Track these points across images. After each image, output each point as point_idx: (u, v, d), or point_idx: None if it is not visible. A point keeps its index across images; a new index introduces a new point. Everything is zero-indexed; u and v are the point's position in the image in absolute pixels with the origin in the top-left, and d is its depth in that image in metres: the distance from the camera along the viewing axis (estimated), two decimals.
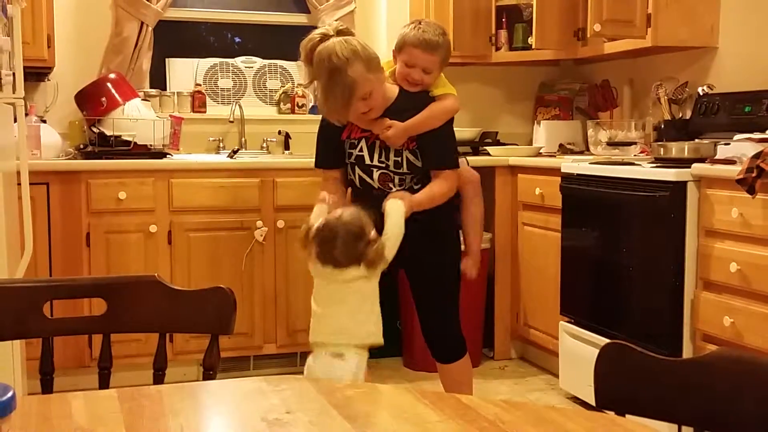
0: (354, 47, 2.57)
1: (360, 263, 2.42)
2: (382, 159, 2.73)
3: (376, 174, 2.75)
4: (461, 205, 2.96)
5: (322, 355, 2.44)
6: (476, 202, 3.00)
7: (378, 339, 2.45)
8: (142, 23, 4.22)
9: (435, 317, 2.84)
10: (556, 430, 1.15)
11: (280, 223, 3.87)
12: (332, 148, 2.80)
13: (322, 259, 2.47)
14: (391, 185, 2.74)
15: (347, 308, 2.44)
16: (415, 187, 2.74)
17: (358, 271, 2.43)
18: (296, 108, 4.58)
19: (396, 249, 2.52)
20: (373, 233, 2.46)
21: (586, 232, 3.48)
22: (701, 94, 3.66)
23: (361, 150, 2.74)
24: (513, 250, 4.14)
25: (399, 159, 2.73)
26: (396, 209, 2.56)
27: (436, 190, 2.72)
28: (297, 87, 4.61)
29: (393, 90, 2.75)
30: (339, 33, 2.62)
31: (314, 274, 2.52)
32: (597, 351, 1.31)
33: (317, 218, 2.52)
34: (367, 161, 2.75)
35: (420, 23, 2.81)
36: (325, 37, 2.61)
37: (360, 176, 2.77)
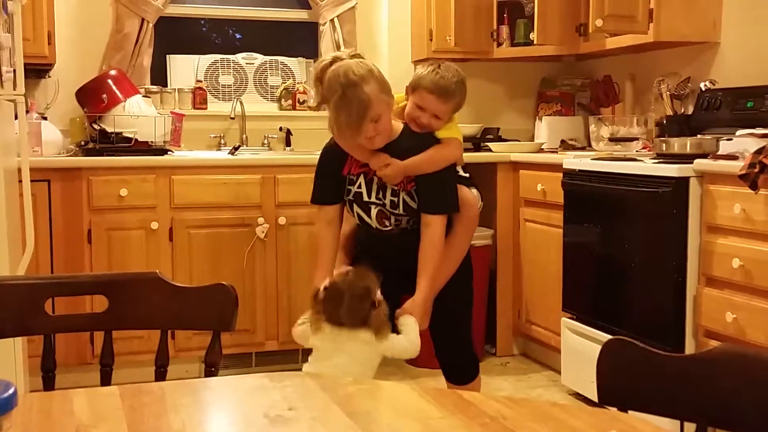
0: (370, 67, 2.56)
1: (366, 325, 2.42)
2: (380, 197, 2.69)
3: (373, 211, 2.70)
4: (448, 235, 2.74)
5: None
6: (464, 240, 2.77)
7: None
8: (143, 20, 4.21)
9: (449, 342, 2.80)
10: (558, 426, 1.14)
11: (282, 220, 3.87)
12: (332, 183, 2.74)
13: (328, 318, 2.45)
14: (387, 223, 2.70)
15: (345, 358, 2.43)
16: (410, 228, 2.69)
17: (366, 335, 2.42)
18: (297, 104, 4.58)
19: (402, 356, 2.55)
20: (378, 294, 2.45)
21: (588, 228, 3.48)
22: (703, 89, 3.65)
23: (359, 186, 2.70)
24: (515, 247, 4.14)
25: (395, 199, 2.68)
26: (410, 328, 2.53)
27: (435, 261, 2.64)
28: (298, 84, 4.61)
29: (398, 126, 2.70)
30: (352, 57, 2.61)
31: (316, 342, 2.49)
32: (599, 347, 1.30)
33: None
34: (365, 198, 2.70)
35: (440, 67, 2.73)
36: (337, 60, 2.59)
37: (358, 214, 2.72)
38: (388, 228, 2.70)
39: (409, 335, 2.50)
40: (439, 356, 2.81)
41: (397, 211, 2.68)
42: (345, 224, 2.81)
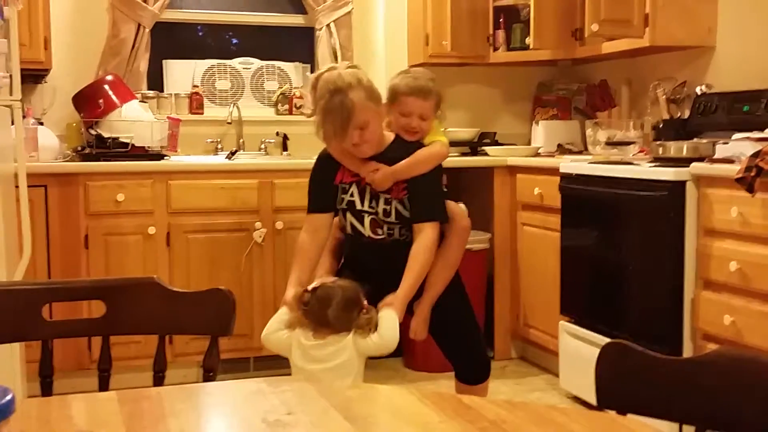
0: (359, 76, 2.60)
1: (351, 328, 2.42)
2: (372, 205, 2.70)
3: (366, 220, 2.72)
4: (441, 246, 2.76)
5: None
6: (457, 249, 2.79)
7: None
8: (139, 25, 4.21)
9: (459, 345, 2.81)
10: (557, 429, 1.15)
11: (279, 225, 3.87)
12: (326, 191, 2.76)
13: (310, 319, 2.45)
14: (380, 232, 2.71)
15: (329, 370, 2.43)
16: (401, 239, 2.71)
17: (349, 341, 2.42)
18: (294, 109, 4.58)
19: (383, 354, 2.53)
20: (365, 302, 2.47)
21: (585, 231, 3.48)
22: (699, 93, 3.66)
23: (352, 195, 2.72)
24: (512, 251, 4.14)
25: (388, 207, 2.69)
26: (391, 323, 2.52)
27: (424, 261, 2.64)
28: (294, 89, 4.61)
29: (389, 136, 2.74)
30: (348, 68, 2.65)
31: (298, 363, 2.48)
32: (597, 351, 1.31)
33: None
34: (358, 206, 2.72)
35: (408, 71, 2.84)
36: (332, 69, 2.65)
37: (351, 222, 2.74)
38: (381, 237, 2.71)
39: (380, 329, 2.48)
40: (450, 358, 2.84)
41: (389, 219, 2.70)
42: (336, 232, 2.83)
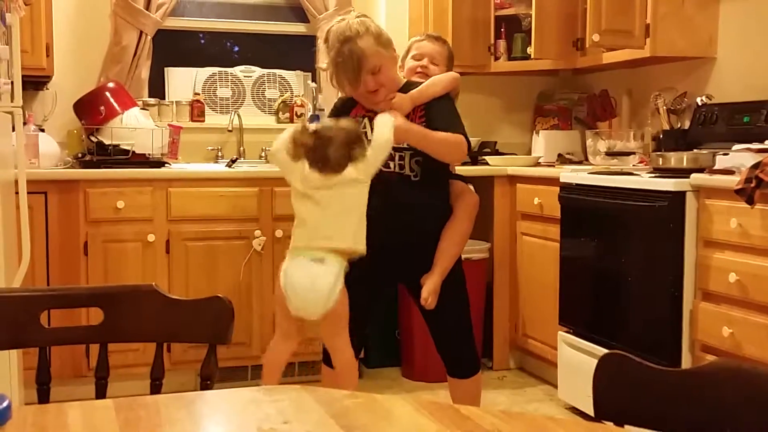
0: (368, 24, 2.65)
1: (348, 162, 2.40)
2: None
3: None
4: (450, 219, 2.80)
5: (301, 259, 2.40)
6: (466, 222, 2.82)
7: (361, 248, 2.43)
8: (141, 32, 4.22)
9: (449, 337, 2.82)
10: None
11: (279, 233, 3.87)
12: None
13: (311, 158, 2.40)
14: (390, 163, 2.68)
15: (332, 213, 2.40)
16: (415, 167, 2.70)
17: (349, 172, 2.39)
18: (295, 117, 4.58)
19: (382, 157, 2.48)
20: (366, 141, 2.47)
21: (584, 242, 3.48)
22: (700, 104, 3.67)
23: (364, 127, 2.72)
24: (512, 260, 4.14)
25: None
26: (385, 121, 2.52)
27: (437, 133, 2.64)
28: (296, 97, 4.61)
29: (400, 80, 2.80)
30: (357, 18, 2.70)
31: (298, 186, 2.46)
32: (596, 361, 1.30)
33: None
34: (369, 137, 2.70)
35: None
36: (342, 20, 2.70)
37: None
38: (391, 169, 2.67)
39: (379, 127, 2.48)
40: (440, 351, 2.84)
41: (401, 146, 2.66)
42: None
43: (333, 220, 2.41)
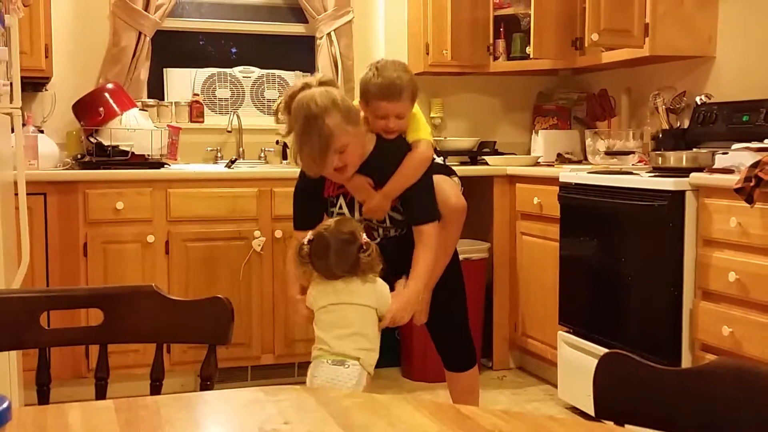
0: (334, 97, 2.51)
1: (356, 271, 2.44)
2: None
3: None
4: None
5: (324, 364, 2.45)
6: (455, 227, 2.79)
7: (377, 347, 2.51)
8: (140, 33, 4.22)
9: (445, 331, 2.84)
10: None
11: (278, 233, 3.87)
12: (312, 207, 2.76)
13: (318, 271, 2.49)
14: (375, 235, 2.73)
15: (345, 324, 2.48)
16: (399, 236, 2.74)
17: (358, 282, 2.48)
18: None
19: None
20: (364, 237, 2.47)
21: (584, 241, 3.48)
22: (699, 103, 3.67)
23: (341, 207, 2.72)
24: (511, 260, 4.14)
25: None
26: (388, 302, 2.58)
27: (428, 260, 2.65)
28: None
29: (371, 140, 2.70)
30: (321, 84, 2.57)
31: (314, 297, 2.53)
32: (596, 361, 1.30)
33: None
34: (347, 214, 2.73)
35: (377, 68, 2.71)
36: (306, 87, 2.56)
37: None
38: (377, 240, 2.71)
39: (382, 302, 2.55)
40: (436, 344, 2.86)
41: (384, 224, 2.71)
42: None
43: (348, 331, 2.48)
